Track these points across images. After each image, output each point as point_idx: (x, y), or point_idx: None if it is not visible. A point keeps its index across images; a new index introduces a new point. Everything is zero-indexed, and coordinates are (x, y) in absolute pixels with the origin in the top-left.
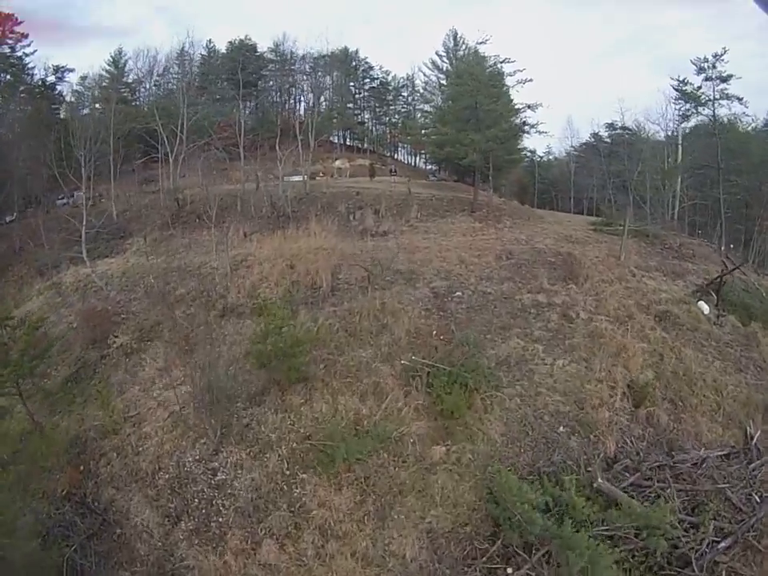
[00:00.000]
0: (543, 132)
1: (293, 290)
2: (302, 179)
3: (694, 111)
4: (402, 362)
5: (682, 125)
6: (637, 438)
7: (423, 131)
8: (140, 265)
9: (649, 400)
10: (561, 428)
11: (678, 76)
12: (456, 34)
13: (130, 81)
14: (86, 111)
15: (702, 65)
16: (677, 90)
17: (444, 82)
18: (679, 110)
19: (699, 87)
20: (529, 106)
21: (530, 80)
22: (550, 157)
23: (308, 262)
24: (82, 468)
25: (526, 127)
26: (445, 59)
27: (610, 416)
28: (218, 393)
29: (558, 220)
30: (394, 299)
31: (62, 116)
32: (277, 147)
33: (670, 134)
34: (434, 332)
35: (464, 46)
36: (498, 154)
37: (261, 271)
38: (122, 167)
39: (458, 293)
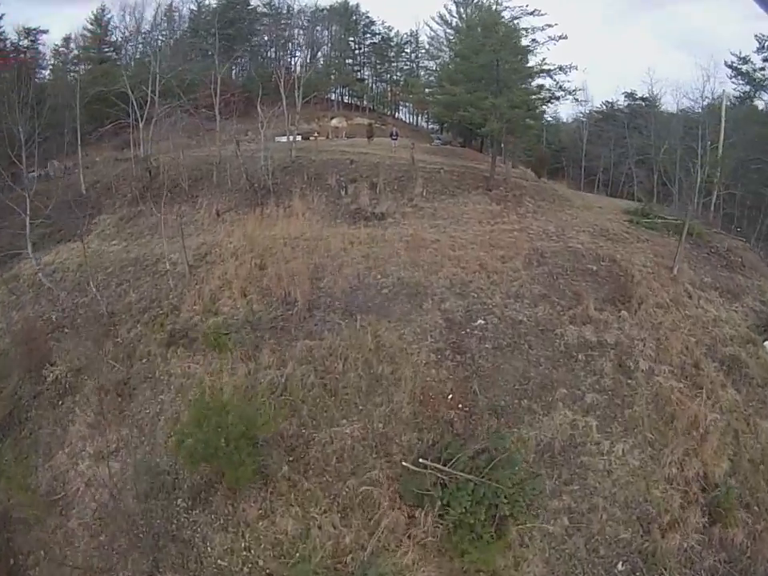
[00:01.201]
0: (582, 100)
1: (259, 307)
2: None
3: (753, 94)
4: (404, 464)
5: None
6: (707, 571)
7: (428, 90)
8: (99, 253)
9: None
10: (620, 565)
11: (740, 52)
12: None
13: (113, 40)
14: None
15: (766, 42)
16: (731, 66)
17: (452, 38)
18: (736, 90)
19: (762, 68)
20: (560, 68)
21: (564, 36)
22: (559, 121)
23: (283, 261)
24: (12, 563)
25: (562, 92)
26: (454, 13)
27: (680, 541)
28: (154, 481)
29: (586, 204)
30: (392, 332)
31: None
32: (258, 106)
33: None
34: (450, 396)
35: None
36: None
37: (224, 272)
38: (93, 134)
39: (479, 321)
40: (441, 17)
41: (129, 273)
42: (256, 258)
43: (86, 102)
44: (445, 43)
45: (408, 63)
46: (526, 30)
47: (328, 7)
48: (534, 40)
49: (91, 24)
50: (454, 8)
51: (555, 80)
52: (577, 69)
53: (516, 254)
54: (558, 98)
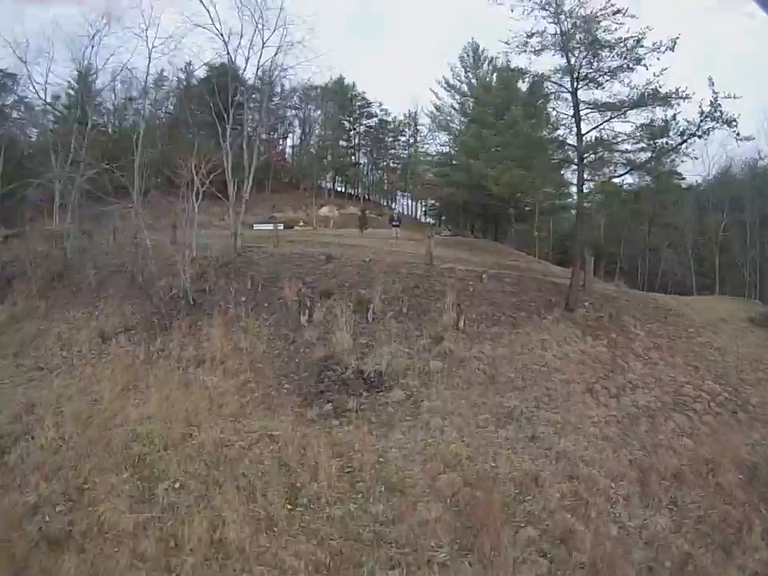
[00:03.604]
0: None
1: None
2: (271, 227)
3: None
4: None
5: None
6: None
7: (434, 170)
8: None
9: None
10: None
11: None
12: (477, 47)
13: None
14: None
15: None
16: None
17: (461, 104)
18: None
19: None
20: (668, 97)
21: (671, 46)
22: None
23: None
24: None
25: (713, 124)
26: (462, 78)
27: None
28: None
29: (703, 317)
30: None
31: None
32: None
33: None
34: None
35: (486, 62)
36: None
37: None
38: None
39: None
40: (447, 82)
41: None
42: (66, 493)
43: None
44: (455, 110)
45: (407, 148)
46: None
47: (322, 85)
48: (637, 42)
49: (76, 82)
50: (462, 72)
51: (715, 101)
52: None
53: None
54: (701, 135)
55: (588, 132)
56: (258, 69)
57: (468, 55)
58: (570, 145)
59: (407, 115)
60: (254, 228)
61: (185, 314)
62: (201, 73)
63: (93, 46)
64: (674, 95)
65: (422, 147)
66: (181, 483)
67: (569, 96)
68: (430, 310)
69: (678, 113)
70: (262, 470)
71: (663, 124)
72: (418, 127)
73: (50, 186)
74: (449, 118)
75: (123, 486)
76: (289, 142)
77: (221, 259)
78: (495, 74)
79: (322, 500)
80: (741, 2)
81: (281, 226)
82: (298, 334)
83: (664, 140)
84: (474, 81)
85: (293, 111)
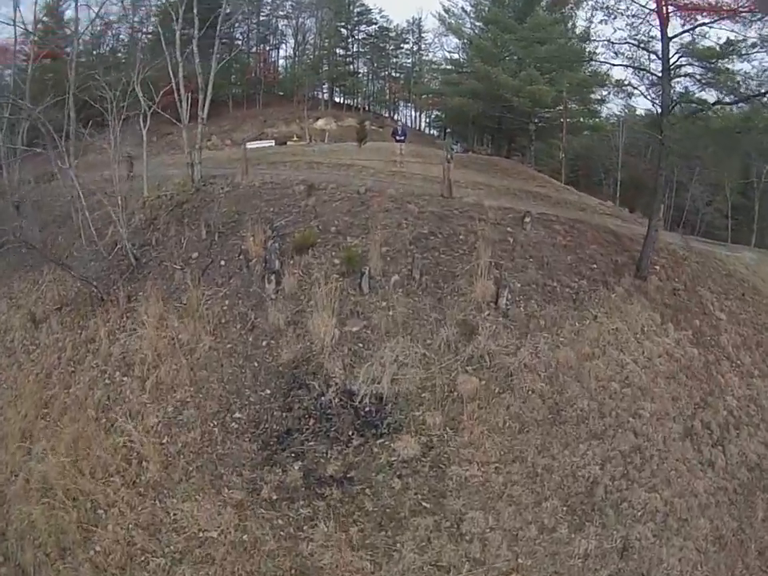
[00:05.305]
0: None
1: None
2: (267, 145)
3: None
4: None
5: None
6: None
7: (444, 77)
8: None
9: None
10: None
11: None
12: None
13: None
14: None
15: None
16: None
17: (469, 7)
18: None
19: None
20: None
21: None
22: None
23: None
24: None
25: None
26: None
27: None
28: None
29: None
30: None
31: None
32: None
33: None
34: None
35: None
36: None
37: None
38: None
39: None
40: None
41: None
42: None
43: None
44: (466, 13)
45: (410, 56)
46: None
47: None
48: None
49: (45, 15)
50: None
51: None
52: None
53: None
54: None
55: (679, 34)
56: None
57: None
58: (649, 51)
59: (411, 22)
60: (246, 146)
61: (125, 279)
62: None
63: None
64: None
65: (428, 55)
66: None
67: None
68: (455, 275)
69: None
70: None
71: None
72: (423, 35)
73: None
74: (460, 21)
75: None
76: (281, 53)
77: (176, 197)
78: None
79: None
80: None
81: (271, 143)
82: (261, 313)
83: None
84: None
85: (284, 21)
